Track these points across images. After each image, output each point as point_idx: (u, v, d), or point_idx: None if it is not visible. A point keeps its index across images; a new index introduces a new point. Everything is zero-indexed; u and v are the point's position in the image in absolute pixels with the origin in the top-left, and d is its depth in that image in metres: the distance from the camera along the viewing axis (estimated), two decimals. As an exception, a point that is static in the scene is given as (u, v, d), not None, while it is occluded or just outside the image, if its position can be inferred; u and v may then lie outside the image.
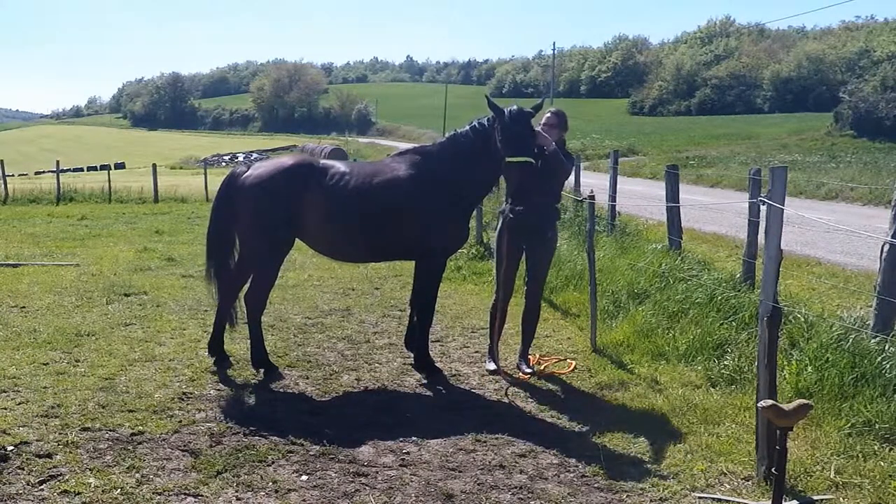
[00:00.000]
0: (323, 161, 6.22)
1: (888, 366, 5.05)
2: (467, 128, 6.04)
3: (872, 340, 5.43)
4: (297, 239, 6.07)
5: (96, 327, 7.35)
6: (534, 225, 6.08)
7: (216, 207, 6.22)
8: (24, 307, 8.22)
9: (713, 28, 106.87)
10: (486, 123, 5.92)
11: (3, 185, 24.82)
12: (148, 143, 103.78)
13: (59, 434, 4.70)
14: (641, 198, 17.50)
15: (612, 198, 12.41)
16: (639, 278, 8.31)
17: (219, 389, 5.70)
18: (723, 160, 35.26)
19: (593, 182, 17.12)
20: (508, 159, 5.67)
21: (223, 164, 57.39)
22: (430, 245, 6.00)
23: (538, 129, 6.09)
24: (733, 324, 6.53)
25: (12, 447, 4.47)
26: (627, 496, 4.07)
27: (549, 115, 6.28)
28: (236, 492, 4.03)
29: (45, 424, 4.86)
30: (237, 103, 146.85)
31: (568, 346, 7.01)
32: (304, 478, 4.22)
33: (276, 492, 4.05)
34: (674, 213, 9.99)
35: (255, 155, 59.65)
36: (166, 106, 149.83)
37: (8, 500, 3.88)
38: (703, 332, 6.43)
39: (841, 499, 3.95)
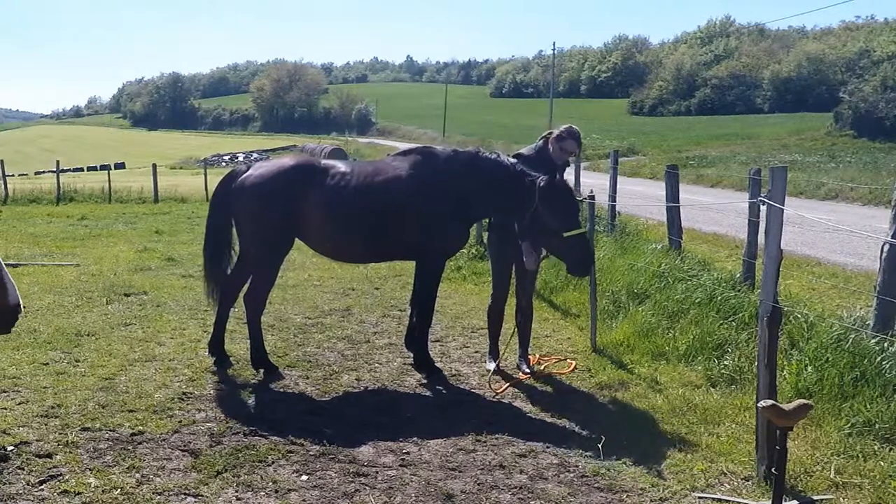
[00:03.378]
0: (324, 161, 6.22)
1: (888, 366, 5.05)
2: (505, 160, 5.92)
3: (872, 340, 5.43)
4: (296, 239, 6.07)
5: (96, 327, 7.35)
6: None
7: (214, 207, 6.23)
8: (24, 307, 8.21)
9: (713, 28, 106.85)
10: (519, 170, 5.82)
11: (3, 185, 24.81)
12: (148, 143, 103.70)
13: (59, 434, 4.70)
14: (641, 198, 17.50)
15: (612, 198, 12.41)
16: (639, 278, 8.30)
17: (219, 389, 5.70)
18: (723, 160, 35.22)
19: (593, 182, 17.11)
20: (567, 234, 5.62)
21: (223, 164, 57.34)
22: (430, 246, 5.99)
23: (555, 147, 6.09)
24: (733, 324, 6.53)
25: (12, 447, 4.48)
26: (627, 496, 4.07)
27: (569, 140, 6.11)
28: (236, 492, 4.03)
29: (45, 424, 4.86)
30: (237, 103, 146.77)
31: (568, 346, 7.01)
32: (304, 478, 4.22)
33: (276, 492, 4.05)
34: (674, 213, 9.99)
35: (255, 155, 59.62)
36: (166, 106, 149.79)
37: (8, 500, 3.88)
38: (703, 332, 6.43)
39: (841, 499, 3.95)
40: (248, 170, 6.09)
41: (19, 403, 5.23)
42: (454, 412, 5.36)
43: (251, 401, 5.52)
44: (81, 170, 56.08)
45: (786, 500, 3.78)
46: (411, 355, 6.37)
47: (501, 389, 5.80)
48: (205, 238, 6.35)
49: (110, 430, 4.81)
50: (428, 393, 5.82)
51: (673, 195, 10.01)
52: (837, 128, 46.24)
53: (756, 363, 4.40)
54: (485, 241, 11.85)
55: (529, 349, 6.49)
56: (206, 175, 26.93)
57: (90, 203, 23.35)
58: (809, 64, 76.35)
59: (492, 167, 5.88)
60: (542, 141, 6.31)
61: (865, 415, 4.68)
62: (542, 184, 5.64)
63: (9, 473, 4.16)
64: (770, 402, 3.67)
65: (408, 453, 4.60)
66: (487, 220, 6.69)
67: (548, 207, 5.63)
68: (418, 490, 4.11)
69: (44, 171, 49.01)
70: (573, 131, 6.20)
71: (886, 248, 5.69)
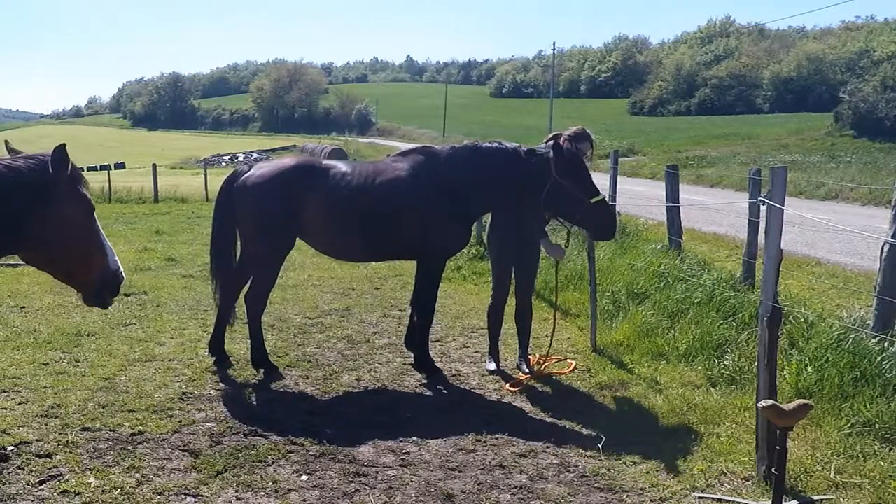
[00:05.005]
0: (325, 161, 6.22)
1: (888, 366, 5.05)
2: (507, 146, 5.97)
3: (872, 340, 5.43)
4: (297, 239, 6.07)
5: (96, 327, 7.35)
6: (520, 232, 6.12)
7: (218, 207, 6.23)
8: (24, 307, 8.22)
9: (713, 28, 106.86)
10: (522, 151, 5.88)
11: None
12: (148, 143, 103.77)
13: (59, 434, 4.70)
14: (641, 198, 17.48)
15: (613, 198, 12.38)
16: (639, 278, 8.30)
17: (219, 389, 5.70)
18: (723, 160, 35.22)
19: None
20: (594, 200, 5.72)
21: (223, 164, 57.38)
22: (430, 246, 5.99)
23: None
24: (733, 324, 6.53)
25: (12, 447, 4.48)
26: (627, 496, 4.07)
27: (585, 141, 6.16)
28: (236, 492, 4.03)
29: (45, 424, 4.86)
30: (237, 103, 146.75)
31: (568, 346, 7.01)
32: (304, 478, 4.22)
33: (276, 492, 4.05)
34: (674, 213, 9.98)
35: (255, 155, 59.64)
36: (166, 106, 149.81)
37: (8, 500, 3.88)
38: (703, 332, 6.43)
39: (841, 499, 3.95)
40: (249, 170, 6.09)
41: (19, 403, 5.23)
42: (454, 412, 5.36)
43: (251, 401, 5.52)
44: (81, 170, 55.92)
45: (786, 500, 3.78)
46: (411, 355, 6.37)
47: (511, 388, 5.79)
48: (210, 238, 6.36)
49: (110, 430, 4.81)
50: (428, 393, 5.82)
51: (673, 195, 10.00)
52: (837, 128, 46.20)
53: (756, 363, 4.39)
54: (485, 241, 11.87)
55: (529, 349, 6.50)
56: (206, 175, 26.92)
57: (90, 203, 23.31)
58: (809, 64, 76.34)
59: (495, 154, 5.90)
60: (551, 142, 6.32)
61: (865, 415, 4.68)
62: (551, 155, 5.70)
63: (9, 473, 4.16)
64: (770, 402, 3.67)
65: (408, 453, 4.61)
66: (489, 220, 6.68)
67: (570, 178, 5.69)
68: (418, 490, 4.11)
69: (44, 171, 48.86)
70: (587, 133, 6.23)
71: (886, 248, 5.68)
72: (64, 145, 3.73)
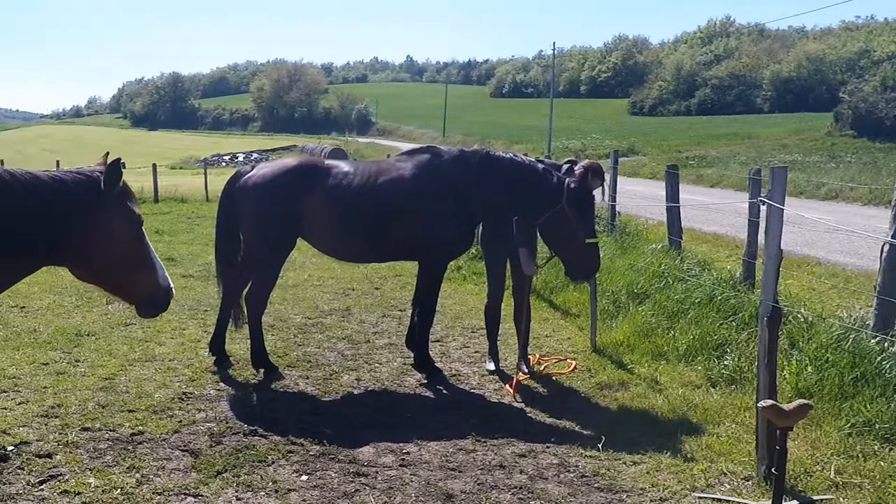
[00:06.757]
0: (327, 161, 6.21)
1: (888, 366, 5.05)
2: (524, 159, 5.95)
3: (872, 340, 5.43)
4: (298, 238, 6.07)
5: (96, 327, 7.35)
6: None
7: (221, 207, 6.23)
8: (24, 307, 8.22)
9: (713, 28, 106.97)
10: (543, 168, 5.88)
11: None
12: (148, 142, 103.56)
13: (59, 434, 4.70)
14: (641, 198, 17.48)
15: (613, 198, 12.39)
16: (639, 278, 8.31)
17: (219, 389, 5.71)
18: (723, 160, 35.23)
19: (593, 182, 17.03)
20: (589, 241, 5.73)
21: (223, 164, 57.31)
22: (432, 247, 5.98)
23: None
24: (733, 324, 6.53)
25: (12, 447, 4.48)
26: (627, 496, 4.07)
27: (597, 179, 6.16)
28: (236, 492, 4.03)
29: (45, 424, 4.86)
30: (237, 103, 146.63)
31: (568, 346, 7.01)
32: (304, 478, 4.23)
33: (276, 492, 4.05)
34: (674, 213, 9.98)
35: (255, 155, 59.64)
36: (166, 106, 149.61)
37: (8, 500, 3.88)
38: (703, 332, 6.43)
39: (841, 499, 3.95)
40: (252, 170, 6.08)
41: (19, 403, 5.23)
42: (454, 412, 5.36)
43: (251, 401, 5.52)
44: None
45: (786, 500, 3.78)
46: (411, 355, 6.37)
47: (512, 390, 5.79)
48: (214, 238, 6.36)
49: (110, 430, 4.81)
50: (428, 393, 5.82)
51: (673, 195, 10.00)
52: (837, 128, 46.25)
53: (756, 363, 4.40)
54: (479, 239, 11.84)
55: (529, 349, 6.49)
56: (206, 175, 26.88)
57: (90, 203, 23.27)
58: (809, 64, 76.43)
59: (512, 167, 5.88)
60: (576, 168, 6.37)
61: (865, 415, 4.68)
62: (572, 185, 5.68)
63: (9, 473, 4.16)
64: (770, 402, 3.68)
65: (408, 453, 4.61)
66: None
67: (577, 212, 5.68)
68: (418, 490, 4.11)
69: (44, 171, 48.81)
70: (601, 171, 6.22)
71: (886, 248, 5.69)
72: (118, 160, 3.74)
